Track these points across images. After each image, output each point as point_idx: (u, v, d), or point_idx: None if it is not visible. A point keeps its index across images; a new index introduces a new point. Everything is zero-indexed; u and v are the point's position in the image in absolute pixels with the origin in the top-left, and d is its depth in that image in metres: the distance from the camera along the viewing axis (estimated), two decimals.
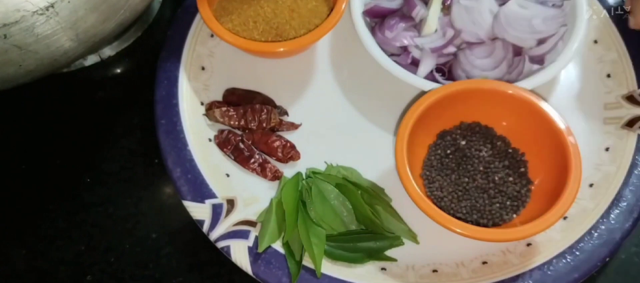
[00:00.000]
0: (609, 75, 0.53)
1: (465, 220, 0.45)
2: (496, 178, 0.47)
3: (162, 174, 0.52)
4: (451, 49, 0.51)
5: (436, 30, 0.51)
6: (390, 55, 0.52)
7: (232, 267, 0.46)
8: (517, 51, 0.51)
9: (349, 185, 0.47)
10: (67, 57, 0.46)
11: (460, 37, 0.51)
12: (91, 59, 0.57)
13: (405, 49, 0.52)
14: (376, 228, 0.46)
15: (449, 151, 0.48)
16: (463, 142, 0.48)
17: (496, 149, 0.48)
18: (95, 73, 0.58)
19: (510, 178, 0.47)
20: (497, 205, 0.46)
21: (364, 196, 0.47)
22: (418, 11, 0.52)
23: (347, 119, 0.53)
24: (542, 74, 0.49)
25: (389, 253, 0.46)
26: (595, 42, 0.55)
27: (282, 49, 0.51)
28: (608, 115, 0.51)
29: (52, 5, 0.41)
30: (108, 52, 0.58)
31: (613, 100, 0.52)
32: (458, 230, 0.42)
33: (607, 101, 0.52)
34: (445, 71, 0.52)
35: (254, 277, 0.45)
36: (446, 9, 0.51)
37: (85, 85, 0.57)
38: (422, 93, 0.49)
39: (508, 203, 0.46)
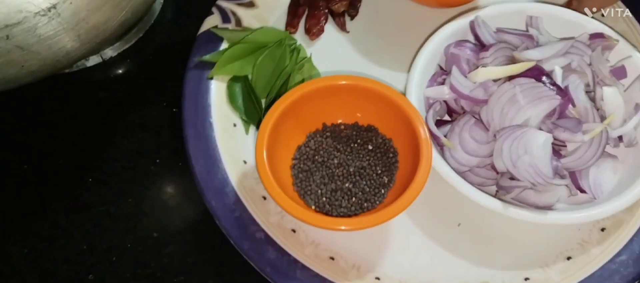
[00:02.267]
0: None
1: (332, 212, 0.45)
2: (364, 169, 0.47)
3: (163, 174, 0.52)
4: (464, 105, 0.49)
5: (475, 83, 0.48)
6: (442, 69, 0.52)
7: (233, 265, 0.47)
8: (496, 170, 0.47)
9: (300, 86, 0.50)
10: (69, 58, 0.46)
11: (479, 108, 0.48)
12: (93, 60, 0.57)
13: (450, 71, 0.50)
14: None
15: (317, 146, 0.48)
16: (328, 140, 0.49)
17: (365, 142, 0.49)
18: (97, 73, 0.58)
19: (378, 169, 0.47)
20: (362, 194, 0.46)
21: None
22: (483, 57, 0.50)
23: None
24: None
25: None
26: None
27: None
28: None
29: (54, 7, 0.41)
30: (110, 52, 0.58)
31: None
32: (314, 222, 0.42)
33: None
34: (446, 109, 0.50)
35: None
36: (509, 81, 0.47)
37: (87, 85, 0.57)
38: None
39: (373, 192, 0.46)
